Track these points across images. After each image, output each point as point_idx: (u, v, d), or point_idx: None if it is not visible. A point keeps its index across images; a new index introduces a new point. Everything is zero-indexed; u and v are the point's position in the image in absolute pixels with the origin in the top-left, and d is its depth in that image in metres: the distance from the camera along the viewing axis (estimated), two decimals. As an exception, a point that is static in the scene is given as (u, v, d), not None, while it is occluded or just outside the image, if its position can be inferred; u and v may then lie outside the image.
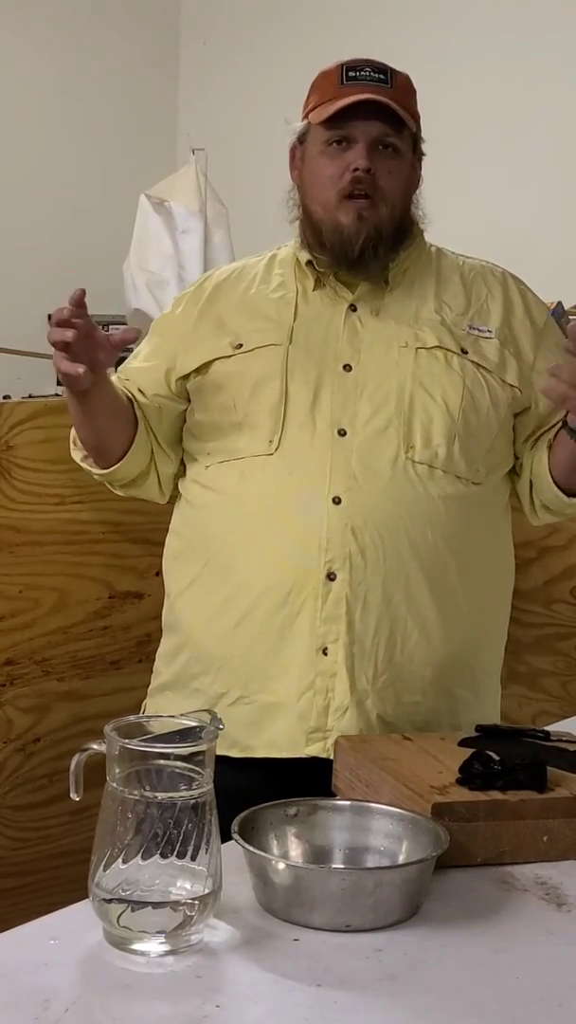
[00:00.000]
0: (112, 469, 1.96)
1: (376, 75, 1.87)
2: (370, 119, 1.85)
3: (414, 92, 1.92)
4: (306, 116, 1.91)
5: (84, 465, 2.00)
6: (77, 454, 2.01)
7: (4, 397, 3.50)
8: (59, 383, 2.01)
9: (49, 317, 1.74)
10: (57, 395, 4.83)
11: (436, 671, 1.86)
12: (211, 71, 5.71)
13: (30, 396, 4.11)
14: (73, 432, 2.00)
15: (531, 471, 1.95)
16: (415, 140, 1.92)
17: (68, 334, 1.74)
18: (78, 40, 5.51)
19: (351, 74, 1.87)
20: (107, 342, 1.80)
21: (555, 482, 1.91)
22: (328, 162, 1.87)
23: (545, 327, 1.98)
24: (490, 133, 4.79)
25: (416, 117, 1.91)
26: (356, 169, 1.85)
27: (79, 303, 1.74)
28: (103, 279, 4.87)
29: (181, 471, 2.00)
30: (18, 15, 5.31)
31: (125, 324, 4.56)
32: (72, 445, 2.01)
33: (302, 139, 1.93)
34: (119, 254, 4.36)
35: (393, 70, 1.89)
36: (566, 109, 4.65)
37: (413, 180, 1.94)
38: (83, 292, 1.75)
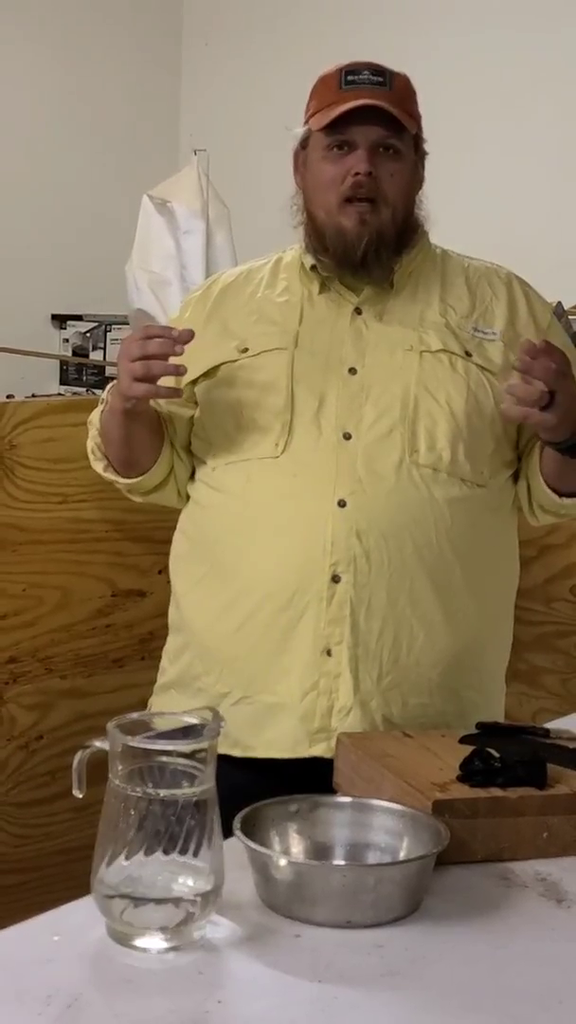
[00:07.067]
0: (139, 479, 1.96)
1: (375, 78, 1.87)
2: (370, 123, 1.85)
3: (413, 93, 1.92)
4: (307, 121, 1.92)
5: (106, 475, 2.00)
6: (98, 465, 2.00)
7: (8, 396, 3.50)
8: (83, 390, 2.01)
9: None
10: (60, 395, 4.85)
11: (443, 673, 1.86)
12: (213, 72, 5.72)
13: (33, 395, 4.12)
14: (91, 443, 2.00)
15: (527, 473, 1.95)
16: (417, 141, 1.92)
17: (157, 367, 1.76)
18: (80, 41, 5.52)
19: (350, 78, 1.87)
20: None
21: (547, 483, 1.91)
22: (330, 167, 1.88)
23: (549, 328, 1.98)
24: (490, 132, 4.79)
25: (416, 118, 1.91)
26: (357, 173, 1.85)
27: (186, 340, 1.77)
28: (105, 279, 4.89)
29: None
30: (20, 17, 5.32)
31: (127, 324, 4.58)
32: (91, 456, 2.01)
33: (304, 144, 1.93)
34: (121, 254, 4.37)
35: (392, 72, 1.89)
36: (567, 107, 4.66)
37: (416, 181, 1.94)
38: (191, 333, 1.78)
